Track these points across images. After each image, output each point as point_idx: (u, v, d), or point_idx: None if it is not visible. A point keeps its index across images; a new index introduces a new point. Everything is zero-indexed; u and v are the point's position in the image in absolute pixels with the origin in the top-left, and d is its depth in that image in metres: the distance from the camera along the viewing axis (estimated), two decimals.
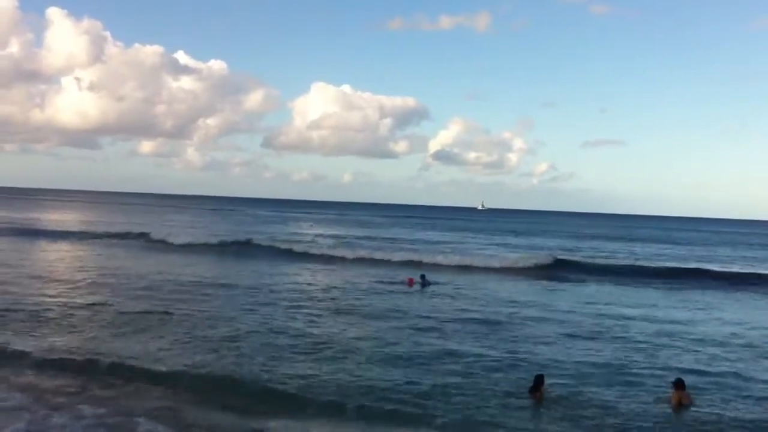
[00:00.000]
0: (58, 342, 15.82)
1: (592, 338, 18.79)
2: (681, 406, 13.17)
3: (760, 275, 37.47)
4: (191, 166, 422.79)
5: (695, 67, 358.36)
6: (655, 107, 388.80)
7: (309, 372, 13.98)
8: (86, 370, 13.72)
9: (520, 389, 13.53)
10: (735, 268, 42.39)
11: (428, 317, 21.06)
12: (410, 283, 29.15)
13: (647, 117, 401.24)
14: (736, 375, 15.37)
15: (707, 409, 12.91)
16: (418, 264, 36.75)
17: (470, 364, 15.26)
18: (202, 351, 15.38)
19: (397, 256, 40.08)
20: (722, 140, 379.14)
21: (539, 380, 13.72)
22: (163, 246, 43.44)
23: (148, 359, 14.48)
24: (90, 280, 26.37)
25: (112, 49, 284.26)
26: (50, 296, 21.98)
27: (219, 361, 14.64)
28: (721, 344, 18.52)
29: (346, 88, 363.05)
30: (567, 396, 13.30)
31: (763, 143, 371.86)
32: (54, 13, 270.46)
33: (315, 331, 18.09)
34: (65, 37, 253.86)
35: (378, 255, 40.48)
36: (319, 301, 23.65)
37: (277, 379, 13.46)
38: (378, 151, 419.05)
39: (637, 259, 45.64)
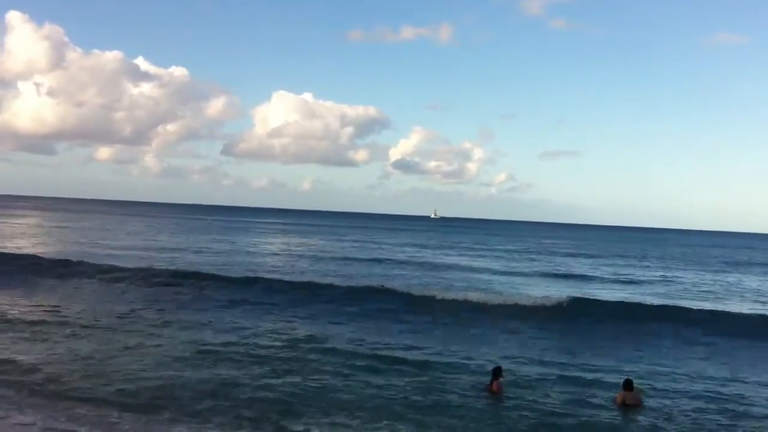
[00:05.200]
0: None
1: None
2: (626, 406, 14.01)
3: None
4: (149, 173, 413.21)
5: (651, 80, 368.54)
6: (611, 119, 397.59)
7: None
8: None
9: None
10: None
11: None
12: None
13: (603, 128, 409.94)
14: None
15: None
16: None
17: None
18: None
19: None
20: (678, 150, 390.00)
21: (497, 371, 14.80)
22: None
23: None
24: None
25: (72, 54, 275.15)
26: None
27: None
28: None
29: (308, 96, 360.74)
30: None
31: (719, 153, 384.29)
32: (14, 17, 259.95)
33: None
34: (25, 42, 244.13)
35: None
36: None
37: None
38: (338, 159, 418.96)
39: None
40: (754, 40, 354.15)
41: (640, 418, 13.65)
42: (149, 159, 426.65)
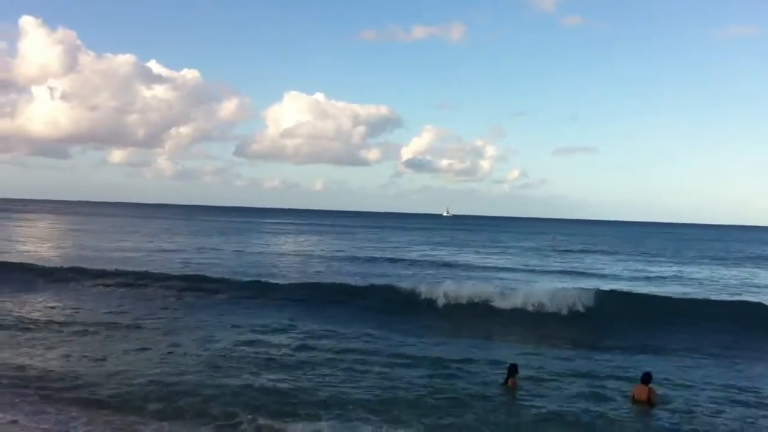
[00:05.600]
0: None
1: None
2: (642, 401, 13.68)
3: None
4: (163, 175, 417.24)
5: (664, 75, 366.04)
6: (624, 115, 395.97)
7: None
8: None
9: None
10: None
11: None
12: None
13: (617, 124, 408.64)
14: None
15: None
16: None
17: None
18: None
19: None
20: (693, 145, 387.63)
21: (513, 369, 14.88)
22: None
23: None
24: None
25: (85, 58, 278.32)
26: None
27: None
28: None
29: (320, 96, 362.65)
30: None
31: (736, 147, 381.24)
32: (28, 22, 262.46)
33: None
34: (39, 46, 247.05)
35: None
36: None
37: None
38: (350, 158, 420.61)
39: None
40: (762, 30, 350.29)
41: (657, 412, 13.47)
42: (162, 161, 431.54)
